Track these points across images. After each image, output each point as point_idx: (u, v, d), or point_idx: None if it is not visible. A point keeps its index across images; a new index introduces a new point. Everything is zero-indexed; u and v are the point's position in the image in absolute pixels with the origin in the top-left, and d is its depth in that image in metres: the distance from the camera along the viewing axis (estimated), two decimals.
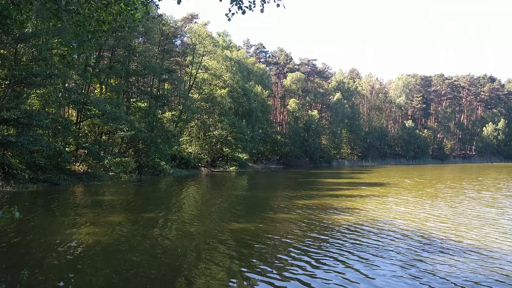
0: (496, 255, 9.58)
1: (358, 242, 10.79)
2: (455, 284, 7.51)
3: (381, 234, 11.75)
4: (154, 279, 7.82)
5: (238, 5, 7.56)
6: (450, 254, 9.56)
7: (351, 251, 9.84)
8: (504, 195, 22.81)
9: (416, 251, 9.83)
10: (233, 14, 7.70)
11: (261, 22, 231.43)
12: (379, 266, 8.59)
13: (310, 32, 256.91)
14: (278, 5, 7.56)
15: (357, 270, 8.32)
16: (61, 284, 7.51)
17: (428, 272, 8.18)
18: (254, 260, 9.15)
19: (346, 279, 7.83)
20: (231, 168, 49.37)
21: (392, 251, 9.85)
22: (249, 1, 7.57)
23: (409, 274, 8.05)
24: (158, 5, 43.47)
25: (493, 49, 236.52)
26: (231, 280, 7.86)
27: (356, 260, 9.04)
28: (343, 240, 10.99)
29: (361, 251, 9.80)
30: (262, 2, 7.59)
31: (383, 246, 10.36)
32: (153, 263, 8.88)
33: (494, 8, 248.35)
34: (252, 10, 7.67)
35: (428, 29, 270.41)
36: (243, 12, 7.65)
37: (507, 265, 8.77)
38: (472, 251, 9.86)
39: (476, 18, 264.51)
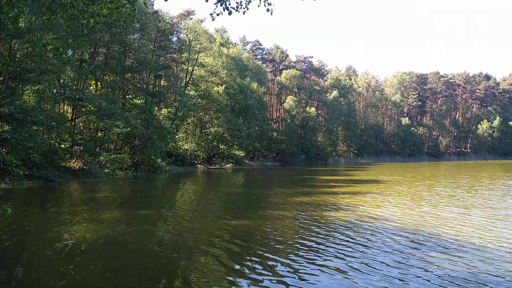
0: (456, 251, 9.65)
1: (350, 238, 10.83)
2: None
3: (367, 231, 11.81)
4: (149, 276, 7.80)
5: (224, 5, 7.53)
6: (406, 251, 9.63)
7: (342, 248, 9.87)
8: (477, 195, 21.80)
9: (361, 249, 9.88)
10: (218, 14, 7.66)
11: (249, 19, 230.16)
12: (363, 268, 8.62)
13: (301, 30, 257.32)
14: (268, 10, 7.55)
15: (348, 268, 8.35)
16: (56, 281, 7.46)
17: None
18: (249, 257, 9.14)
19: (339, 277, 7.86)
20: (227, 165, 49.35)
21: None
22: (236, 2, 7.56)
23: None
24: (152, 1, 43.22)
25: (485, 47, 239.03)
26: (226, 276, 7.85)
27: (346, 258, 9.06)
28: (334, 237, 11.02)
29: (352, 248, 9.83)
30: (246, 4, 7.57)
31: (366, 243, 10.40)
32: (149, 260, 8.85)
33: (484, 5, 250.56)
34: (238, 11, 7.66)
35: (419, 27, 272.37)
36: (230, 13, 7.61)
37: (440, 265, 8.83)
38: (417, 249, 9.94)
39: (466, 16, 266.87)
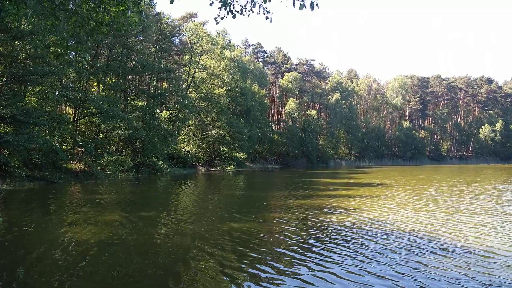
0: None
1: (341, 242, 10.89)
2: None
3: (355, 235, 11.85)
4: (150, 278, 7.85)
5: (228, 9, 7.56)
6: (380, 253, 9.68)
7: (342, 251, 9.92)
8: (467, 200, 21.43)
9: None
10: (222, 18, 7.71)
11: (251, 22, 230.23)
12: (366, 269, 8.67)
13: (303, 32, 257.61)
14: (267, 18, 7.60)
15: (349, 271, 8.40)
16: (57, 282, 7.51)
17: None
18: (249, 260, 9.18)
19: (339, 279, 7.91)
20: (228, 168, 49.37)
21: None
22: (240, 5, 7.61)
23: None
24: (155, 4, 43.46)
25: (491, 51, 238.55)
26: (226, 279, 7.91)
27: (345, 261, 9.12)
28: (335, 240, 11.08)
29: (351, 252, 9.88)
30: (251, 7, 7.61)
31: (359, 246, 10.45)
32: (150, 262, 8.90)
33: (493, 13, 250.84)
34: (243, 14, 7.70)
35: (420, 29, 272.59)
36: (234, 16, 7.66)
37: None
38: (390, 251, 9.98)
39: (467, 19, 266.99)
